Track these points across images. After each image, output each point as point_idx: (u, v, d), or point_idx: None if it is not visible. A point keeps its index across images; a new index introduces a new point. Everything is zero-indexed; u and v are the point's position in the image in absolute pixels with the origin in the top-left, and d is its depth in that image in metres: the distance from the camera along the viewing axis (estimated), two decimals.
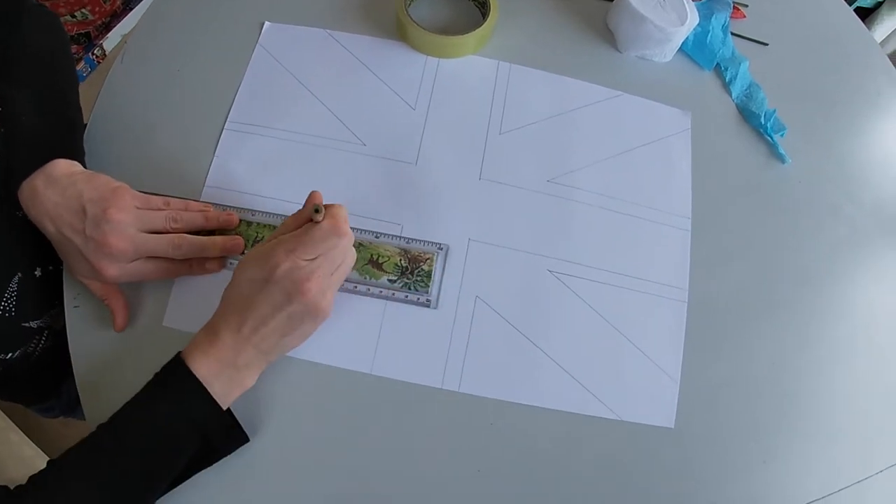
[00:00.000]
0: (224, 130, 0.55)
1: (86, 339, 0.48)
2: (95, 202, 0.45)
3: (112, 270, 0.45)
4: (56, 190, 0.45)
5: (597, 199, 0.56)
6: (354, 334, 0.50)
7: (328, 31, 0.61)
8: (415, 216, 0.54)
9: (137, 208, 0.46)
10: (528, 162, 0.57)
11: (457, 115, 0.58)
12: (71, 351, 0.48)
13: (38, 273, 0.50)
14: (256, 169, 0.54)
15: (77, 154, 0.49)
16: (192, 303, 0.49)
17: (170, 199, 0.49)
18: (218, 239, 0.49)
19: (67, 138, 0.50)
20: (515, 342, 0.51)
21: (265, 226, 0.51)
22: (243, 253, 0.50)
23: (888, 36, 1.25)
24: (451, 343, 0.50)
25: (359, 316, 0.50)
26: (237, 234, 0.51)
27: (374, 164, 0.56)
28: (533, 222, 0.55)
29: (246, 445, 0.45)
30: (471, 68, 0.61)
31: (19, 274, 0.49)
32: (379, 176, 0.55)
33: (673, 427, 0.50)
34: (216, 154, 0.54)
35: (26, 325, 0.51)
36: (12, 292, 0.48)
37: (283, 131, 0.56)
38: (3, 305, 0.48)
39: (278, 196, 0.53)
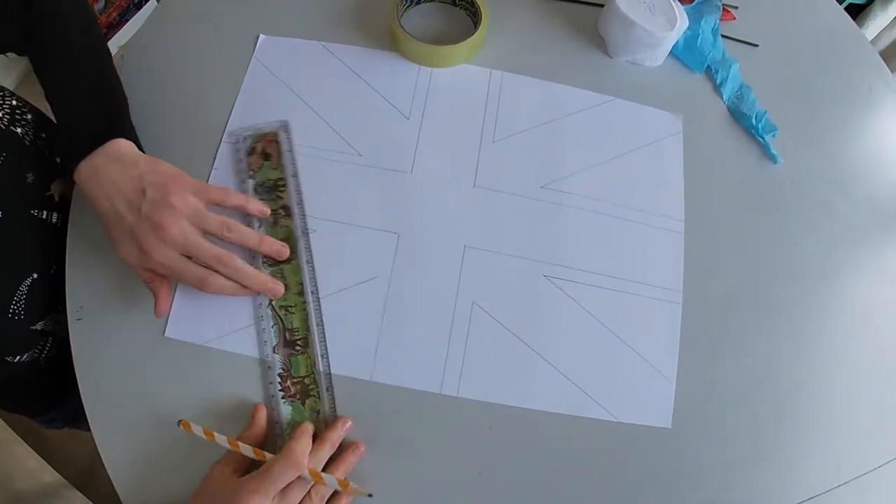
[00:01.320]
0: (222, 143, 0.56)
1: (90, 350, 0.49)
2: (157, 186, 0.45)
3: (159, 253, 0.45)
4: (117, 167, 0.46)
5: (590, 204, 0.57)
6: (354, 342, 0.50)
7: (322, 42, 0.62)
8: (411, 225, 0.55)
9: (195, 197, 0.47)
10: (522, 169, 0.58)
11: (451, 124, 0.59)
12: (75, 362, 0.49)
13: (37, 276, 0.51)
14: None
15: (130, 131, 0.50)
16: (193, 315, 0.50)
17: (229, 190, 0.50)
18: (263, 276, 0.48)
19: (121, 115, 0.51)
20: (512, 347, 0.51)
21: (298, 271, 0.51)
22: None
23: (880, 32, 1.25)
24: (449, 349, 0.51)
25: (358, 323, 0.51)
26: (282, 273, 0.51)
27: (370, 174, 0.56)
28: (528, 228, 0.56)
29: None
30: (464, 77, 0.62)
31: (34, 275, 0.49)
32: (374, 186, 0.56)
33: (670, 427, 0.51)
34: (214, 166, 0.55)
35: (34, 328, 0.52)
36: (21, 294, 0.49)
37: None
38: (14, 308, 0.49)
39: None
